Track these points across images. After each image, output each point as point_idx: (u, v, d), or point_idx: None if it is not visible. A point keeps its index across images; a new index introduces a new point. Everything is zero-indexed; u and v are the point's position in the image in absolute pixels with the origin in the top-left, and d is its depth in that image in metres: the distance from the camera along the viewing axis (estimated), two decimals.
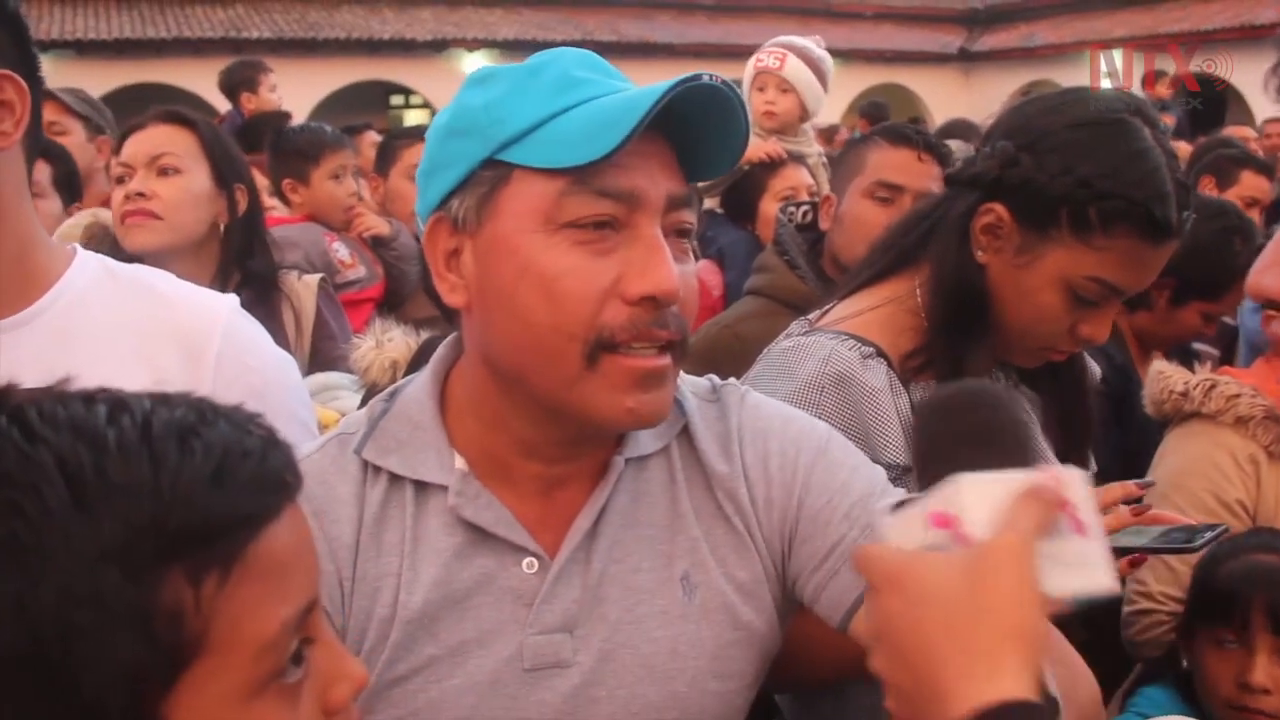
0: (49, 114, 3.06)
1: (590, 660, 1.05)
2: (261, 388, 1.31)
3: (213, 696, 0.66)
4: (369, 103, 19.39)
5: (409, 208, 3.41)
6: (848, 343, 1.47)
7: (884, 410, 1.42)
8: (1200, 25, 18.74)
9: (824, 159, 3.73)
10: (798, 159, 3.48)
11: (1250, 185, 4.04)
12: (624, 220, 0.98)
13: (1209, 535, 1.46)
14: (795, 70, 3.65)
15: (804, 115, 3.72)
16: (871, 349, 1.47)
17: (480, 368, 1.07)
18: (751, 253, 2.95)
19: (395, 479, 1.07)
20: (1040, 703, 0.70)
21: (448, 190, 1.03)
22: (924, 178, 2.27)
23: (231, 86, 5.95)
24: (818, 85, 3.68)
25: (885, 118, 7.57)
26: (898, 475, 1.33)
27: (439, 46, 20.30)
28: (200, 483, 0.66)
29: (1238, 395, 2.07)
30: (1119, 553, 1.46)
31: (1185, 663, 1.90)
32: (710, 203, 3.54)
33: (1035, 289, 1.44)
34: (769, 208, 3.21)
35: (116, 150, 2.47)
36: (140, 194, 2.31)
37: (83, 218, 2.97)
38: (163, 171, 2.34)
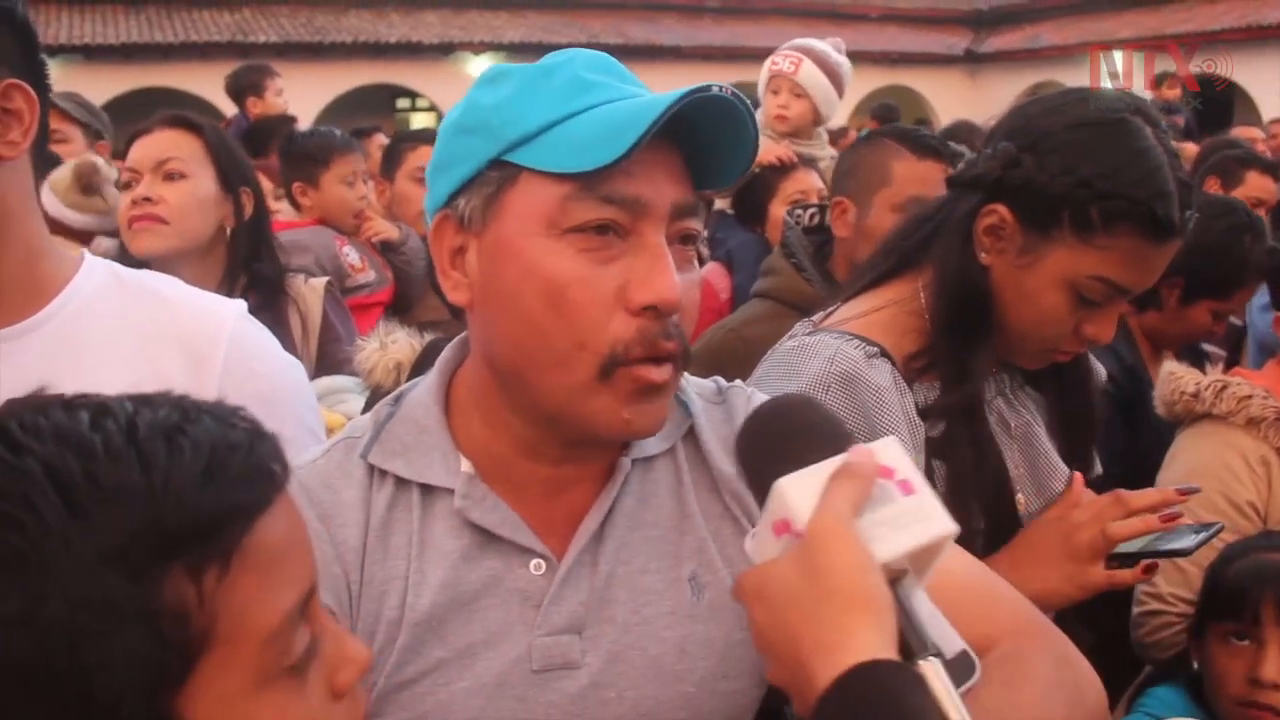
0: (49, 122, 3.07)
1: (599, 661, 1.05)
2: (269, 393, 1.31)
3: (225, 689, 0.67)
4: (375, 106, 19.44)
5: (415, 211, 3.42)
6: (852, 342, 1.47)
7: (890, 408, 1.42)
8: (1206, 26, 18.67)
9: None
10: (809, 162, 3.47)
11: (1255, 186, 4.02)
12: (628, 227, 0.98)
13: (1204, 535, 1.45)
14: (809, 75, 3.64)
15: (817, 120, 3.71)
16: (876, 348, 1.47)
17: (484, 368, 1.07)
18: (760, 256, 2.93)
19: (401, 482, 1.07)
20: (893, 659, 0.73)
21: (455, 187, 1.03)
22: None
23: (238, 91, 5.98)
24: (832, 90, 3.68)
25: (896, 120, 7.57)
26: None
27: (445, 50, 20.36)
28: (191, 480, 0.66)
29: (1249, 396, 2.07)
30: (1119, 560, 1.45)
31: (1195, 664, 1.90)
32: (721, 203, 3.53)
33: (1039, 289, 1.44)
34: (779, 211, 3.19)
35: (122, 155, 2.48)
36: (147, 199, 2.31)
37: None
38: (169, 176, 2.34)
